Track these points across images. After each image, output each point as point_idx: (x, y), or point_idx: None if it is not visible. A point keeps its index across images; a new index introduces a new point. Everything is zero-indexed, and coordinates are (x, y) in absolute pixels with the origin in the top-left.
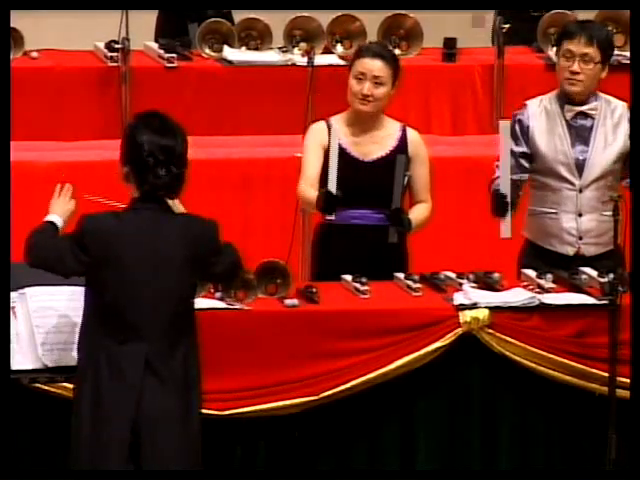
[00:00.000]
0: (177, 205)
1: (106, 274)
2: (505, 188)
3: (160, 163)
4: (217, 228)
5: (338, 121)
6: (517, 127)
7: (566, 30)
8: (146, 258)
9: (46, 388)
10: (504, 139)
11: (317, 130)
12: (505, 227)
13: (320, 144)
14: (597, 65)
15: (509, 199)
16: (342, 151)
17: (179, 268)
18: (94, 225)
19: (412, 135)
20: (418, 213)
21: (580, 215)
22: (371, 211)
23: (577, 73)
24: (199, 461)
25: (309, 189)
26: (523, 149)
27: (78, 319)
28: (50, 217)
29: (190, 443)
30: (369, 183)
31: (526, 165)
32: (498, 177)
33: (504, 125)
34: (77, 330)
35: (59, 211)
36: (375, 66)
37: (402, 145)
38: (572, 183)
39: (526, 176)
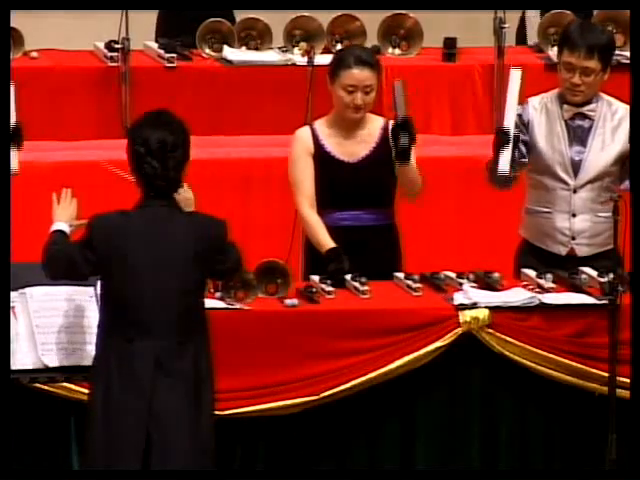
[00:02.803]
0: (187, 191)
1: (114, 273)
2: (509, 125)
3: (152, 153)
4: (225, 227)
5: (322, 124)
6: (517, 119)
7: (567, 37)
8: (153, 256)
9: (46, 388)
10: (513, 86)
11: (302, 137)
12: (503, 161)
13: (307, 152)
14: (598, 74)
15: (512, 135)
16: (326, 155)
17: (187, 266)
18: (101, 224)
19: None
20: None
21: (574, 215)
22: (361, 212)
23: (578, 85)
24: (211, 461)
25: (312, 213)
26: (525, 138)
27: (78, 319)
28: (56, 226)
29: (201, 442)
30: (356, 184)
31: (525, 152)
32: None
33: (515, 72)
34: (77, 330)
35: (63, 218)
36: (365, 76)
37: (385, 141)
38: (566, 183)
39: (526, 160)
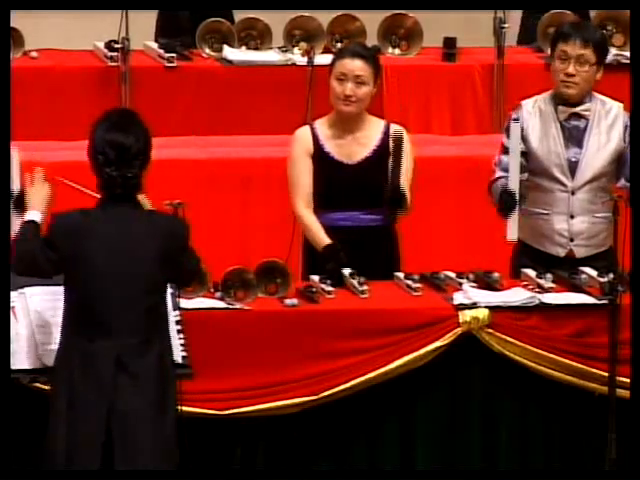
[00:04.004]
0: (144, 200)
1: (76, 272)
2: (514, 186)
3: (110, 162)
4: (187, 227)
5: (322, 124)
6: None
7: (561, 32)
8: (114, 255)
9: (46, 388)
10: (514, 140)
11: (301, 137)
12: (512, 229)
13: (306, 152)
14: (592, 67)
15: (517, 197)
16: (325, 155)
17: (147, 265)
18: (62, 223)
19: (394, 129)
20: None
21: (572, 217)
22: (357, 212)
23: (572, 75)
24: (175, 461)
25: (307, 213)
26: (522, 148)
27: None
28: (28, 215)
29: (165, 442)
30: (354, 185)
31: (525, 164)
32: (499, 177)
33: (515, 126)
34: None
35: (36, 202)
36: (356, 66)
37: (384, 143)
38: (564, 184)
39: (526, 175)
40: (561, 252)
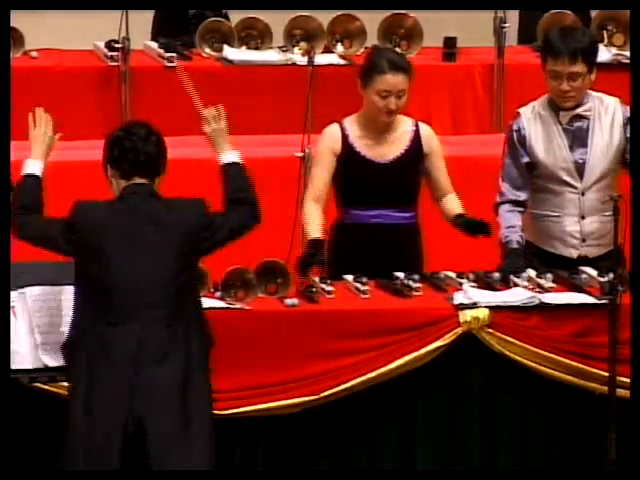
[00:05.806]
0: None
1: (97, 260)
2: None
3: (132, 133)
4: (204, 205)
5: (352, 123)
6: (515, 137)
7: (548, 45)
8: (135, 243)
9: (46, 388)
10: None
11: (330, 135)
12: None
13: (331, 151)
14: (585, 76)
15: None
16: (356, 154)
17: (169, 250)
18: (84, 213)
19: (425, 131)
20: (457, 204)
21: (583, 218)
22: (389, 210)
23: (567, 91)
24: (200, 448)
25: (312, 207)
26: (526, 159)
27: None
28: (29, 166)
29: (190, 428)
30: (385, 184)
31: (527, 178)
32: (506, 202)
33: None
34: None
35: (38, 149)
36: (399, 81)
37: (416, 144)
38: (574, 186)
39: (526, 196)
40: (574, 253)
